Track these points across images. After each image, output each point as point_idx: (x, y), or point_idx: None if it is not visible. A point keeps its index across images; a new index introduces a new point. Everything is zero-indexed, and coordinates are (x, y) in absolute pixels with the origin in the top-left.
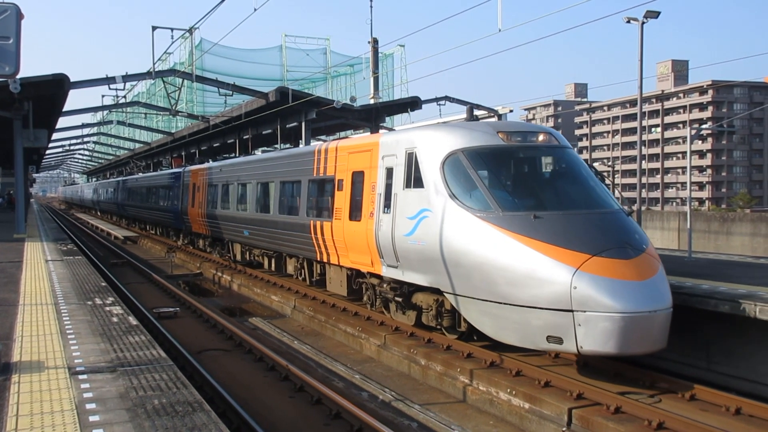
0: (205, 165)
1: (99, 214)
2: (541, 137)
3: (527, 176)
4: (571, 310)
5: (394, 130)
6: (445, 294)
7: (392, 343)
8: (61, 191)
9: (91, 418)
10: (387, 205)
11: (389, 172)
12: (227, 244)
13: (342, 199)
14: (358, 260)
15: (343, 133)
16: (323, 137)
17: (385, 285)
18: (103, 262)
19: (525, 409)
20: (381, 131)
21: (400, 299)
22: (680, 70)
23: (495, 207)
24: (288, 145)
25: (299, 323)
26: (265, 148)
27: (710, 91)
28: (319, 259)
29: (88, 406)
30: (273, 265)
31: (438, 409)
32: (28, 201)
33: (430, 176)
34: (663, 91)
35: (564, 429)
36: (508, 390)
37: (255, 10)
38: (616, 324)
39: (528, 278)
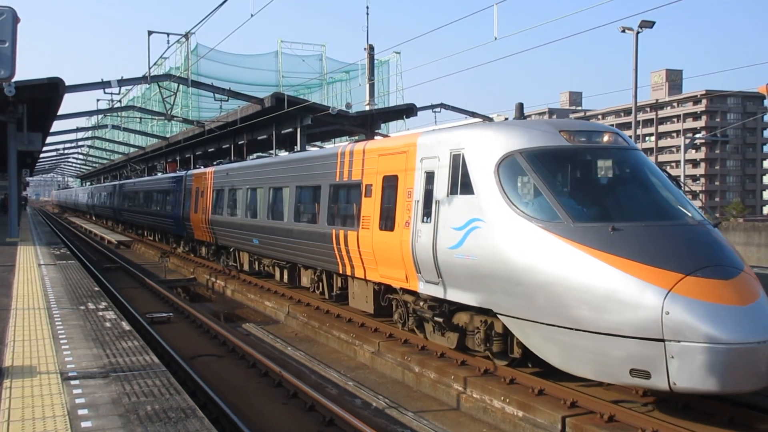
0: (210, 168)
1: (94, 218)
2: (606, 137)
3: (597, 182)
4: (662, 340)
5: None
6: (498, 316)
7: (386, 350)
8: (55, 195)
9: (84, 424)
10: (427, 213)
11: (429, 176)
12: (233, 253)
13: (370, 207)
14: (389, 274)
15: (338, 140)
16: (318, 143)
17: (421, 303)
18: (96, 267)
19: (519, 417)
20: (418, 130)
21: (440, 320)
22: (674, 79)
23: (564, 217)
24: (297, 149)
25: (293, 329)
26: (261, 154)
27: (704, 101)
28: (341, 271)
29: (81, 412)
30: (285, 276)
31: (431, 416)
32: (23, 205)
33: (481, 181)
34: (657, 100)
35: None
36: (502, 398)
37: (251, 15)
38: (719, 357)
39: (608, 301)
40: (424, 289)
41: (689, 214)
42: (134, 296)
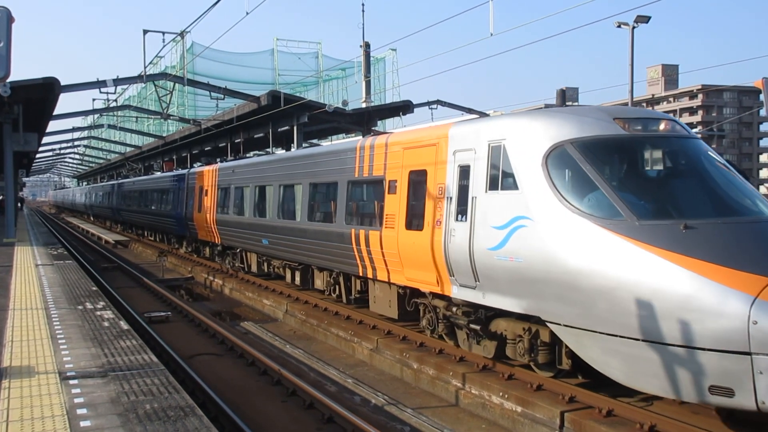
0: (214, 166)
1: (92, 219)
2: (663, 125)
3: (659, 175)
4: (749, 353)
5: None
6: (548, 324)
7: (384, 347)
8: (52, 195)
9: (82, 424)
10: (462, 211)
11: (464, 170)
12: (240, 254)
13: (395, 204)
14: (417, 277)
15: (335, 137)
16: (315, 141)
17: (454, 308)
18: (94, 267)
19: (517, 413)
20: (447, 121)
21: (476, 327)
22: (670, 74)
23: (627, 214)
24: (306, 144)
25: (291, 327)
26: (257, 152)
27: (700, 96)
28: (361, 274)
29: (79, 411)
30: (297, 278)
31: (430, 413)
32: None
33: (527, 175)
34: (653, 95)
35: None
36: (501, 394)
37: (247, 13)
38: None
39: (682, 309)
40: (457, 293)
41: (766, 210)
42: (132, 296)
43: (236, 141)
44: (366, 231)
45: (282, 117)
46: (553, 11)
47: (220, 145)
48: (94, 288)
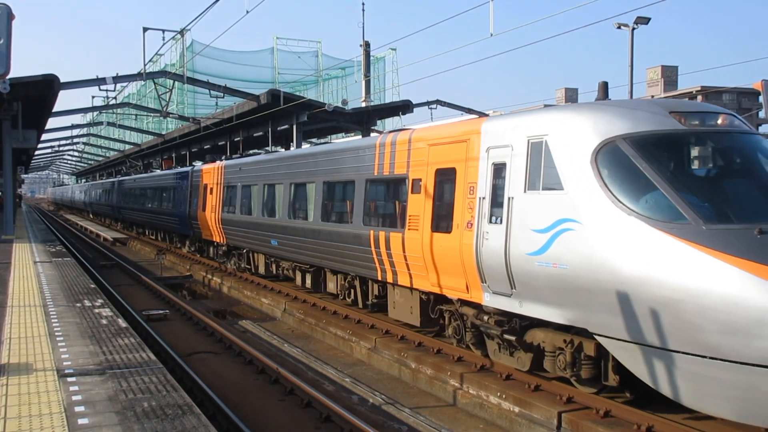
0: (220, 163)
1: (92, 216)
2: (721, 119)
3: (722, 173)
4: None
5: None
6: (596, 337)
7: (383, 347)
8: (51, 192)
9: (80, 421)
10: (496, 213)
11: (498, 169)
12: (246, 255)
13: (419, 205)
14: (444, 283)
15: (334, 136)
16: (314, 140)
17: (485, 317)
18: (92, 264)
19: (515, 413)
20: (481, 116)
21: (511, 337)
22: (670, 75)
23: (692, 217)
24: (315, 141)
25: (289, 326)
26: (256, 150)
27: (699, 97)
28: (379, 278)
29: (77, 409)
30: (308, 281)
31: (428, 412)
32: (17, 202)
33: (573, 174)
34: (653, 96)
35: None
36: (498, 394)
37: (247, 12)
38: None
39: (761, 324)
40: (490, 301)
41: None
42: (130, 293)
43: (235, 139)
44: (386, 233)
45: (281, 116)
46: (553, 12)
47: (220, 143)
48: (93, 285)
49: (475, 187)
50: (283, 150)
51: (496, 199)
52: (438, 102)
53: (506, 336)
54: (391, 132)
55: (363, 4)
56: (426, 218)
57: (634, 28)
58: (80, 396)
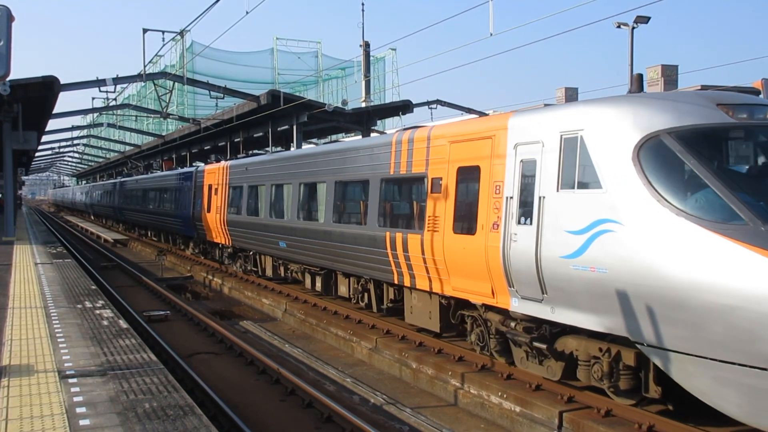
0: (225, 163)
1: (93, 218)
2: None
3: None
4: None
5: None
6: (639, 347)
7: (383, 347)
8: (51, 194)
9: (82, 422)
10: (525, 213)
11: (528, 166)
12: (253, 257)
13: (440, 205)
14: (466, 287)
15: (334, 136)
16: (315, 140)
17: (513, 324)
18: (93, 266)
19: (516, 413)
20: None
21: (542, 345)
22: (670, 74)
23: (749, 217)
24: (326, 139)
25: (290, 326)
26: (256, 151)
27: None
28: (396, 281)
29: (79, 410)
30: (318, 284)
31: (429, 412)
32: (18, 204)
33: (613, 171)
34: None
35: None
36: (499, 393)
37: (247, 12)
38: None
39: None
40: (518, 306)
41: None
42: (131, 294)
43: (236, 140)
44: (404, 234)
45: (281, 116)
46: (552, 11)
47: (220, 144)
48: (93, 287)
49: (501, 186)
50: (283, 150)
51: (525, 199)
52: (438, 102)
53: (536, 344)
54: (407, 129)
55: (363, 4)
56: (447, 219)
57: (634, 27)
58: (81, 397)
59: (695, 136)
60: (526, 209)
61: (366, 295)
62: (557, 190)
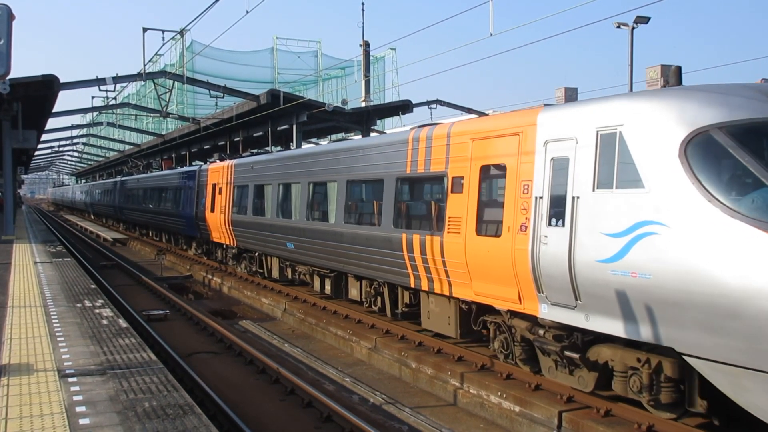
0: (230, 162)
1: (93, 217)
2: None
3: None
4: None
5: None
6: (687, 358)
7: (383, 346)
8: (51, 193)
9: (81, 421)
10: (557, 214)
11: (560, 164)
12: (258, 258)
13: (461, 205)
14: (490, 292)
15: (334, 136)
16: (314, 140)
17: (541, 331)
18: (92, 265)
19: (515, 413)
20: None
21: (574, 354)
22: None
23: None
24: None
25: (290, 326)
26: (258, 150)
27: None
28: (412, 285)
29: (78, 409)
30: (328, 286)
31: (429, 412)
32: (18, 203)
33: (656, 169)
34: None
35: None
36: (499, 393)
37: (247, 12)
38: None
39: None
40: (548, 313)
41: None
42: (131, 294)
43: (235, 139)
44: (421, 236)
45: (281, 116)
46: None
47: (219, 143)
48: (93, 286)
49: (529, 186)
50: (283, 149)
51: (557, 199)
52: (438, 102)
53: (567, 353)
54: (425, 126)
55: (363, 3)
56: (469, 220)
57: (633, 28)
58: (81, 396)
59: (749, 131)
60: (557, 210)
61: (379, 298)
62: (593, 190)
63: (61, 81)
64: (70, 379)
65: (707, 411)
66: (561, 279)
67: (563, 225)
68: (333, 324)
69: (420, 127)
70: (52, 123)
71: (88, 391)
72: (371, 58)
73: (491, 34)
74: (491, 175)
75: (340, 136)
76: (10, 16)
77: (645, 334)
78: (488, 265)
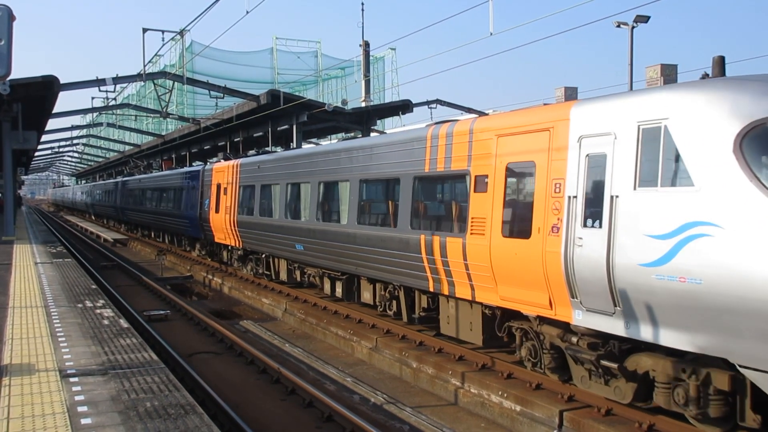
0: (235, 161)
1: (93, 218)
2: None
3: None
4: None
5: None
6: (744, 371)
7: (384, 346)
8: (51, 193)
9: (83, 421)
10: (593, 214)
11: (596, 161)
12: (265, 260)
13: (485, 205)
14: (517, 297)
15: (334, 136)
16: (314, 140)
17: (575, 339)
18: (93, 265)
19: (516, 412)
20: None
21: (612, 364)
22: (669, 74)
23: None
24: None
25: (290, 326)
26: (263, 149)
27: None
28: (431, 289)
29: (80, 409)
30: (339, 289)
31: (429, 411)
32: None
33: (707, 166)
34: None
35: (555, 431)
36: (500, 393)
37: (247, 12)
38: None
39: None
40: (582, 320)
41: None
42: (131, 294)
43: (235, 140)
44: (441, 238)
45: (281, 116)
46: (552, 11)
47: (219, 143)
48: (94, 286)
49: (562, 185)
50: (284, 149)
51: (593, 199)
52: (438, 101)
53: (604, 362)
54: (444, 122)
55: (363, 3)
56: (495, 221)
57: (633, 27)
58: (83, 396)
59: None
60: (593, 210)
61: (394, 302)
62: (634, 188)
63: (61, 82)
64: (72, 379)
65: (761, 426)
66: (598, 284)
67: (600, 226)
68: (334, 324)
69: (438, 123)
70: (52, 124)
71: (90, 391)
72: (371, 58)
73: (491, 34)
74: (519, 173)
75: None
76: (11, 17)
77: (693, 343)
78: (516, 269)
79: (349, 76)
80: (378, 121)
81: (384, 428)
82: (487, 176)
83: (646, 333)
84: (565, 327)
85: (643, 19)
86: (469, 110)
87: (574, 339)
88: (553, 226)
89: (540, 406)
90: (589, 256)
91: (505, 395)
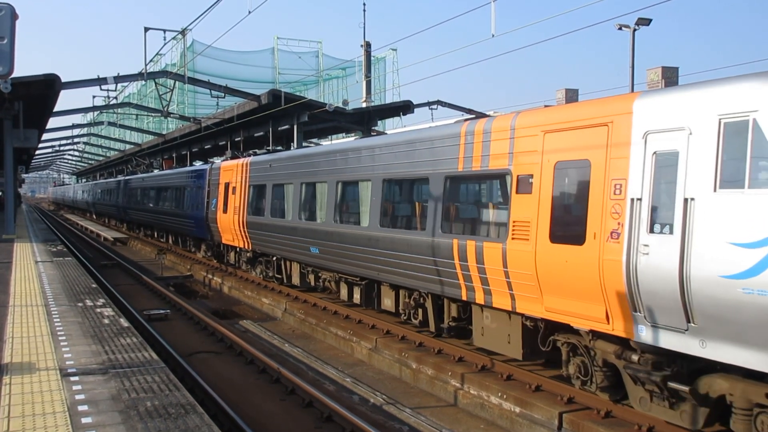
0: (244, 159)
1: (94, 217)
2: None
3: None
4: None
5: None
6: None
7: (383, 347)
8: (51, 192)
9: (84, 420)
10: (663, 219)
11: (666, 159)
12: (276, 263)
13: (530, 208)
14: (567, 308)
15: (335, 137)
16: (315, 140)
17: (636, 357)
18: (93, 264)
19: (516, 413)
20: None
21: (684, 387)
22: (670, 76)
23: None
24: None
25: (290, 326)
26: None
27: None
28: (464, 297)
29: (81, 408)
30: (357, 295)
31: (429, 412)
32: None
33: None
34: None
35: None
36: (499, 394)
37: (249, 12)
38: None
39: None
40: (647, 336)
41: None
42: (131, 293)
43: (236, 139)
44: (477, 243)
45: (282, 116)
46: (554, 13)
47: (220, 143)
48: (94, 285)
49: (623, 186)
50: (284, 149)
51: (662, 202)
52: (439, 102)
53: (672, 385)
54: (479, 118)
55: (364, 4)
56: (541, 225)
57: (635, 29)
58: (83, 395)
59: None
60: (663, 214)
61: (420, 311)
62: (714, 190)
63: (63, 80)
64: (72, 378)
65: None
66: (668, 296)
67: (671, 232)
68: (333, 324)
69: (474, 119)
70: (53, 122)
71: (90, 390)
72: (372, 58)
73: (493, 35)
74: (570, 173)
75: (341, 136)
76: (14, 16)
77: None
78: (566, 278)
79: (350, 77)
80: (379, 122)
81: (383, 429)
82: (531, 176)
83: (726, 353)
84: (624, 343)
85: (644, 21)
86: (470, 111)
87: (635, 357)
88: (612, 232)
89: (539, 407)
90: (658, 266)
91: (505, 396)
